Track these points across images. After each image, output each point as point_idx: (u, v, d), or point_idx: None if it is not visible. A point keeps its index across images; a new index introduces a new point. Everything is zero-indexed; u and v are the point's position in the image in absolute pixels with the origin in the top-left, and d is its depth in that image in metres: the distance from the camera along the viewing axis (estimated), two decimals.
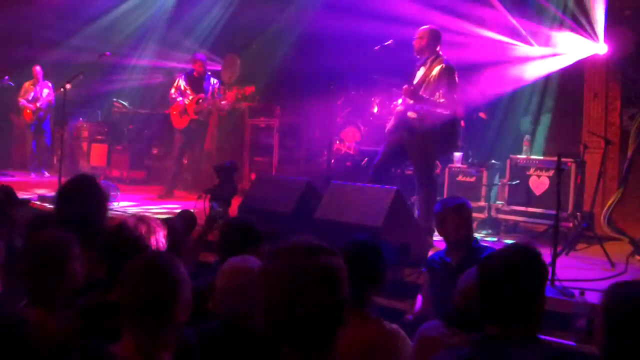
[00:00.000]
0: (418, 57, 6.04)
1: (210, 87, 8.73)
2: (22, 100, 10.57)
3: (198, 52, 9.33)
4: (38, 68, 10.50)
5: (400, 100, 6.15)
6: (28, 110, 10.52)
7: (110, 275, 2.56)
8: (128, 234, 2.72)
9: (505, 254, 2.22)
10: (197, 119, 8.64)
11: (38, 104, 10.46)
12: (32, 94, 10.57)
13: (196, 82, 8.73)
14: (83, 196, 3.24)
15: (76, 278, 2.64)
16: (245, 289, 2.54)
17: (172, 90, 8.82)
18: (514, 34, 7.77)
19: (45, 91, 10.45)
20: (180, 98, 8.68)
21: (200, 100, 8.60)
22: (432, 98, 5.78)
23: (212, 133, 10.03)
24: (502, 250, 2.27)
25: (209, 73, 8.95)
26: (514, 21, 7.75)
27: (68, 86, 10.06)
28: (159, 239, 2.81)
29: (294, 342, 1.66)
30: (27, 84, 10.67)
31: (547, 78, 7.65)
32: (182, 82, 8.76)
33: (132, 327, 2.03)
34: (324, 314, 1.64)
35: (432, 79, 5.84)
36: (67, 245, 2.63)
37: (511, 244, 2.40)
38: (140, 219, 2.84)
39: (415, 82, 5.95)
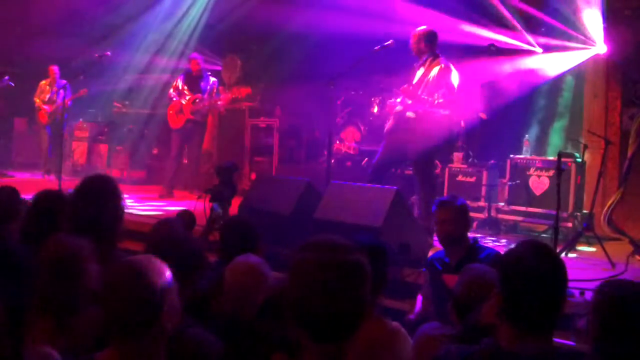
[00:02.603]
0: (417, 58, 6.06)
1: (208, 87, 8.75)
2: (38, 102, 10.36)
3: (194, 52, 9.36)
4: (55, 68, 10.25)
5: (399, 100, 6.16)
6: (44, 112, 10.35)
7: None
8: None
9: (527, 253, 2.05)
10: (194, 119, 8.65)
11: (54, 106, 10.15)
12: (48, 95, 10.40)
13: (194, 82, 8.74)
14: (100, 196, 3.07)
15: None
16: (251, 286, 2.57)
17: (171, 90, 8.88)
18: (515, 33, 7.78)
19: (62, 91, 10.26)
20: (177, 98, 8.71)
21: (197, 101, 8.62)
22: (430, 98, 5.79)
23: (212, 133, 10.04)
24: (523, 250, 2.08)
25: (208, 73, 8.97)
26: (514, 20, 7.76)
27: (85, 91, 10.09)
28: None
29: (322, 336, 1.69)
30: (43, 84, 10.43)
31: (547, 78, 7.65)
32: (180, 82, 8.81)
33: (117, 335, 1.97)
34: (353, 308, 1.71)
35: (431, 79, 5.86)
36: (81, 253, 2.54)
37: (527, 243, 2.17)
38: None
39: (414, 82, 5.96)
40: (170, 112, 8.82)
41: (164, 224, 3.68)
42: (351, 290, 1.69)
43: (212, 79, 8.88)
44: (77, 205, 3.02)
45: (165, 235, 2.91)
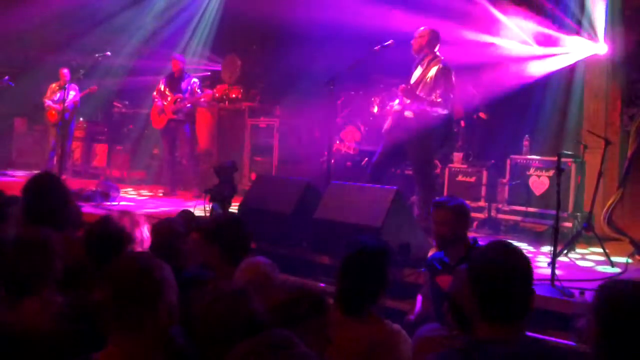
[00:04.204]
0: (416, 56, 6.06)
1: (189, 87, 8.81)
2: (47, 101, 10.36)
3: (176, 53, 9.43)
4: (65, 71, 10.19)
5: (397, 101, 6.16)
6: (53, 112, 10.28)
7: (95, 268, 2.59)
8: (112, 227, 2.80)
9: (493, 252, 2.19)
10: (176, 118, 8.72)
11: (64, 105, 10.19)
12: (58, 95, 10.35)
13: (174, 83, 8.84)
14: (46, 192, 3.42)
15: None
16: (259, 287, 2.58)
17: (155, 93, 8.96)
18: (515, 33, 7.77)
19: (72, 93, 10.11)
20: (159, 100, 8.82)
21: (178, 100, 8.70)
22: (429, 97, 5.79)
23: (212, 133, 10.04)
24: (489, 249, 2.22)
25: (189, 73, 9.06)
26: (516, 20, 7.76)
27: (95, 88, 10.12)
28: (143, 232, 2.97)
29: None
30: (53, 85, 10.40)
31: (547, 78, 7.64)
32: (162, 85, 8.90)
33: (117, 330, 1.97)
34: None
35: (429, 79, 5.86)
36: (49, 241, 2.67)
37: (493, 242, 2.32)
38: (124, 212, 2.95)
39: (412, 81, 5.96)
40: (153, 113, 8.93)
41: (164, 223, 3.68)
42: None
43: (194, 80, 8.93)
44: (25, 203, 3.38)
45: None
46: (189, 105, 8.76)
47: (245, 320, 2.08)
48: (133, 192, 9.04)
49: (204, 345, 2.12)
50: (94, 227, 2.95)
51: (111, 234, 2.85)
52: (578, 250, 5.95)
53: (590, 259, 5.69)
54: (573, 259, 5.65)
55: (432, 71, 5.87)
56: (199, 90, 8.85)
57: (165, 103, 8.74)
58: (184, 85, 8.79)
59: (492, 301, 2.10)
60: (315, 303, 2.33)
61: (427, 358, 2.19)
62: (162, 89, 8.85)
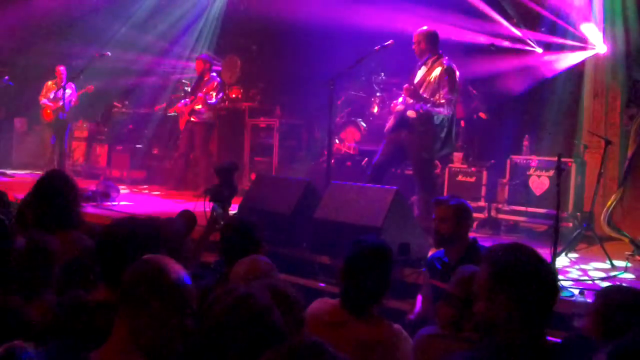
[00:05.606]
0: (419, 59, 6.06)
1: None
2: (43, 100, 10.29)
3: (203, 53, 9.53)
4: (62, 68, 10.15)
5: (400, 100, 6.16)
6: (48, 111, 10.22)
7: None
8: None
9: (528, 257, 2.19)
10: (193, 120, 8.80)
11: (60, 104, 9.91)
12: (53, 93, 10.22)
13: (197, 83, 8.92)
14: (57, 191, 3.41)
15: None
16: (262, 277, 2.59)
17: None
18: (515, 32, 7.78)
19: (68, 91, 9.97)
20: (186, 99, 8.96)
21: (192, 101, 8.79)
22: (432, 98, 5.79)
23: (213, 133, 10.05)
24: (525, 255, 2.21)
25: (214, 74, 9.09)
26: (515, 19, 7.76)
27: (91, 88, 10.12)
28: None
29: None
30: (49, 83, 10.33)
31: (548, 78, 7.65)
32: (191, 86, 9.05)
33: (116, 328, 1.98)
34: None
35: (432, 79, 5.86)
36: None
37: (515, 245, 2.30)
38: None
39: (415, 81, 5.96)
40: (179, 114, 9.11)
41: (164, 223, 3.68)
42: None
43: (215, 81, 8.91)
44: (36, 200, 3.42)
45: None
46: (207, 105, 8.74)
47: (266, 326, 1.97)
48: (133, 192, 9.04)
49: (220, 352, 2.05)
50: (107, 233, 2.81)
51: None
52: (578, 250, 5.95)
53: (590, 259, 5.69)
54: (573, 259, 5.65)
55: (436, 71, 5.87)
56: (212, 93, 8.84)
57: (185, 105, 8.90)
58: (204, 85, 8.83)
59: (534, 307, 2.13)
60: (287, 307, 2.28)
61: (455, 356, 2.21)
62: (190, 90, 9.00)
